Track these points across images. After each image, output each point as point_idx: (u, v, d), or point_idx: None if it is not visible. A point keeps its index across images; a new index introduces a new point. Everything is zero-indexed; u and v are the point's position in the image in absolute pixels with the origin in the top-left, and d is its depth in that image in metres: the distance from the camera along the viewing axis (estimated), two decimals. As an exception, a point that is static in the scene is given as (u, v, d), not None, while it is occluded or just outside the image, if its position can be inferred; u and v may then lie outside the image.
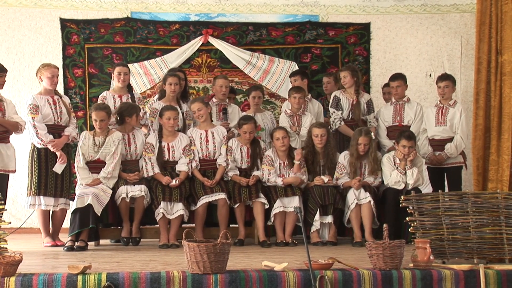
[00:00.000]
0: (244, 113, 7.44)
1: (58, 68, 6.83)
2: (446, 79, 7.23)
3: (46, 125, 6.55)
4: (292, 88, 7.42)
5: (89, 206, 6.13)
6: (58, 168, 6.57)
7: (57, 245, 6.52)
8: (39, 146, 6.54)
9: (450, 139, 7.09)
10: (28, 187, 6.62)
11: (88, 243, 6.25)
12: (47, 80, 6.63)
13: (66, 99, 6.91)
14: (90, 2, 8.46)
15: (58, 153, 6.54)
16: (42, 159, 6.56)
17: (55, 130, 6.64)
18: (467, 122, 7.23)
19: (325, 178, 6.71)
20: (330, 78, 7.99)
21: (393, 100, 7.41)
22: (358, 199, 6.56)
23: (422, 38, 8.78)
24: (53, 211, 6.66)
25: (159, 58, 8.44)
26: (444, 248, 5.01)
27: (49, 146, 6.52)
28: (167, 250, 6.19)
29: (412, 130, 7.06)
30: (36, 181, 6.54)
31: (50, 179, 6.57)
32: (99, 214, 6.21)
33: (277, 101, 8.52)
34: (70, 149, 6.81)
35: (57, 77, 6.74)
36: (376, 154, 6.84)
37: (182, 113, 7.03)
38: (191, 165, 6.69)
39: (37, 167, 6.55)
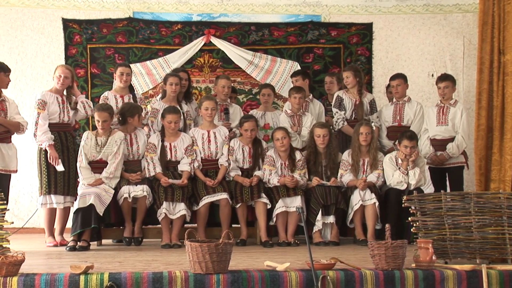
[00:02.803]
0: (253, 111, 7.48)
1: (70, 70, 6.83)
2: (446, 79, 7.22)
3: (51, 123, 6.59)
4: (292, 88, 7.42)
5: (91, 206, 6.14)
6: (58, 168, 6.59)
7: (60, 245, 6.53)
8: (37, 144, 6.57)
9: (452, 139, 7.08)
10: (39, 187, 6.66)
11: (90, 243, 6.26)
12: (56, 79, 6.70)
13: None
14: (93, 2, 8.46)
15: (49, 152, 6.53)
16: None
17: (60, 128, 6.69)
18: (469, 122, 7.21)
19: (327, 182, 6.72)
20: (333, 78, 7.97)
21: (394, 100, 7.42)
22: (363, 200, 6.56)
23: (424, 38, 8.77)
24: (58, 209, 6.68)
25: (161, 58, 8.44)
26: (446, 248, 5.01)
27: (44, 145, 6.52)
28: (169, 250, 6.19)
29: (412, 130, 7.05)
30: (46, 180, 6.58)
31: (59, 178, 6.61)
32: (101, 214, 6.21)
33: (279, 101, 8.51)
34: (76, 147, 6.81)
35: (67, 78, 6.70)
36: (377, 146, 6.88)
37: (183, 113, 7.03)
38: (193, 165, 6.70)
39: (45, 167, 6.59)
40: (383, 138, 7.36)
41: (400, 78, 7.39)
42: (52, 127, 6.61)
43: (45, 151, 6.58)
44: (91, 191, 6.24)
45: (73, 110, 6.81)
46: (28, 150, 8.00)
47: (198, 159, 6.76)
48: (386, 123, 7.39)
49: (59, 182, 6.60)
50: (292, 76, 7.86)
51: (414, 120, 7.28)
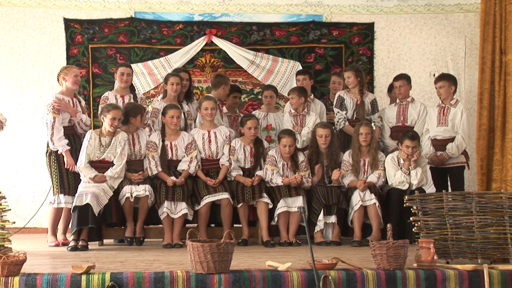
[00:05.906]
0: (256, 111, 7.51)
1: (78, 69, 6.96)
2: (441, 79, 7.17)
3: (62, 126, 6.62)
4: (290, 90, 7.46)
5: (88, 205, 6.11)
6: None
7: (62, 244, 6.53)
8: (52, 149, 6.58)
9: (452, 139, 7.05)
10: (52, 188, 6.70)
11: (89, 242, 6.24)
12: (73, 79, 6.69)
13: (83, 103, 6.99)
14: (94, 2, 8.46)
15: (65, 158, 6.56)
16: (61, 160, 6.61)
17: (70, 131, 6.71)
18: (469, 122, 7.17)
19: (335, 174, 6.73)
20: (341, 78, 7.90)
21: (398, 100, 7.40)
22: (363, 200, 6.56)
23: (426, 38, 8.76)
24: (65, 209, 6.69)
25: (162, 58, 8.44)
26: (448, 248, 5.01)
27: (60, 150, 6.54)
28: (171, 250, 6.19)
29: (415, 130, 7.04)
30: (57, 181, 6.61)
31: (71, 179, 6.64)
32: (97, 214, 6.17)
33: (281, 101, 8.50)
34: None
35: (80, 77, 6.84)
36: (377, 146, 6.88)
37: (184, 113, 7.03)
38: (193, 165, 6.69)
39: (56, 168, 6.61)
40: (386, 139, 7.35)
41: (404, 78, 7.37)
42: (64, 130, 6.62)
43: (55, 152, 6.60)
44: (89, 191, 6.21)
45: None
46: (30, 150, 8.02)
47: (198, 158, 6.75)
48: (389, 124, 7.37)
49: (71, 182, 6.63)
50: (297, 74, 7.84)
51: (418, 121, 7.26)
